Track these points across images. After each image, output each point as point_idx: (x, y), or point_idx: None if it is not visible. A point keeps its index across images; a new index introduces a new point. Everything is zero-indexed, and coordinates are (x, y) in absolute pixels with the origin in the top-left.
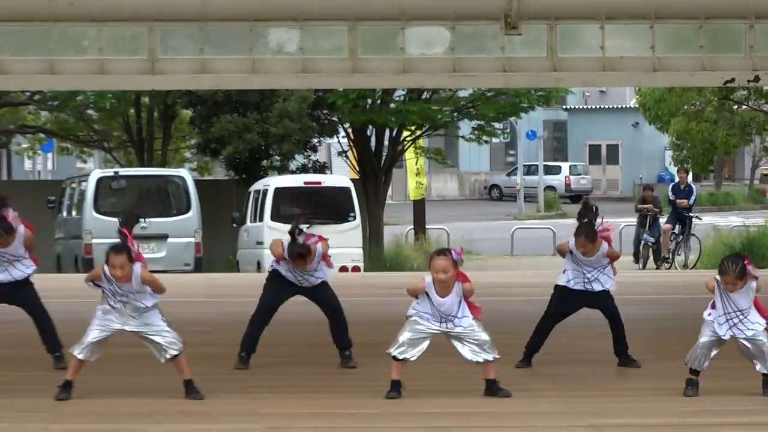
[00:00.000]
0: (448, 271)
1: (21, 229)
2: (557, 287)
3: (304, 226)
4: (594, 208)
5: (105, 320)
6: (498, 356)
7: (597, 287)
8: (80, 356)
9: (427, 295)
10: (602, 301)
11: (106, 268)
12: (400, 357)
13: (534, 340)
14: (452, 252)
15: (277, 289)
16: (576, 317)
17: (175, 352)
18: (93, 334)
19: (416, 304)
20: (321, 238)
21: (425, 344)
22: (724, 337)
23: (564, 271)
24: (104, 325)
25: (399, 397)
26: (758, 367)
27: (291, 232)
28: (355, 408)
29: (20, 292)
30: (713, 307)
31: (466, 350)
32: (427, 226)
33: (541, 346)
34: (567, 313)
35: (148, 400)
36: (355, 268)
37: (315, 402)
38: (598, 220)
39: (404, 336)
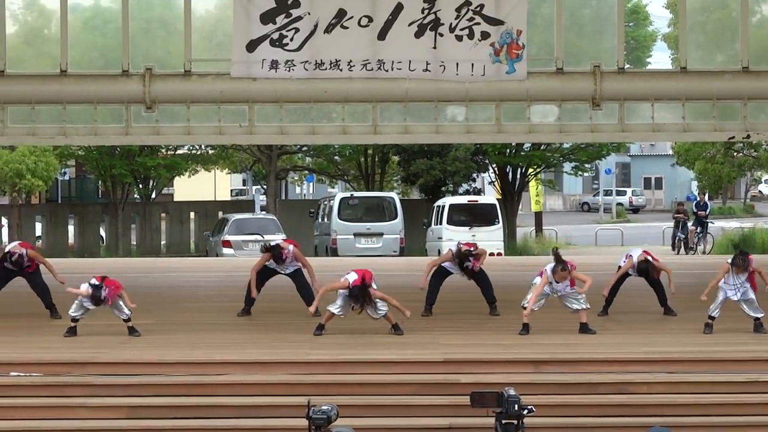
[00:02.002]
0: (566, 278)
1: (290, 247)
2: (619, 267)
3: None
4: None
5: (348, 301)
6: (589, 306)
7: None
8: (333, 311)
9: (549, 282)
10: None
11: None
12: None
13: (609, 298)
14: (568, 264)
15: (442, 273)
16: (632, 285)
17: (383, 313)
18: (340, 302)
19: (538, 278)
20: (476, 247)
21: (543, 301)
22: (733, 298)
23: (625, 257)
24: (347, 303)
25: (527, 334)
26: (751, 313)
27: (461, 262)
28: (499, 340)
29: (294, 274)
30: (726, 280)
31: (568, 303)
32: (543, 228)
33: (613, 301)
34: (623, 281)
35: (366, 336)
36: (499, 254)
37: (474, 336)
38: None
39: (531, 295)
